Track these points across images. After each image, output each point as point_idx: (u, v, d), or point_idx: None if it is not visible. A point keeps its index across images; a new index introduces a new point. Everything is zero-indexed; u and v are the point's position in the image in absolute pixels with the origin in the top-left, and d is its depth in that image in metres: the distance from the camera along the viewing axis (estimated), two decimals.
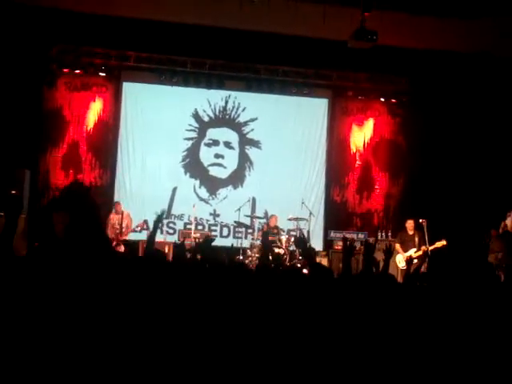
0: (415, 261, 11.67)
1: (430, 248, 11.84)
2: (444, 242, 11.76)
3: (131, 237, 13.55)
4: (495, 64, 13.93)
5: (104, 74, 14.93)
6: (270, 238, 13.35)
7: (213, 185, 15.33)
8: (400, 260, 12.30)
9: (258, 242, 13.51)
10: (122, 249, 12.65)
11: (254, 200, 15.04)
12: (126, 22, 13.34)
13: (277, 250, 13.22)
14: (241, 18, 12.81)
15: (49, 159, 14.70)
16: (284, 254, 13.18)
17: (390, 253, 4.92)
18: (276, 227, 13.79)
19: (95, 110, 15.05)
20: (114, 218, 13.33)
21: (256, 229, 14.08)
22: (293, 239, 13.47)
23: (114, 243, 12.83)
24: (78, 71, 14.72)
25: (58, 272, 3.63)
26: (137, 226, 13.40)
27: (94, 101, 15.05)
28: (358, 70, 15.17)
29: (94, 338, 3.24)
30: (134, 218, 13.71)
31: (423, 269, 11.20)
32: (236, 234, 14.94)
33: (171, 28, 13.56)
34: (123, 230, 13.09)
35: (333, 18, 12.63)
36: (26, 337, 3.18)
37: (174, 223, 14.87)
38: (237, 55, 14.68)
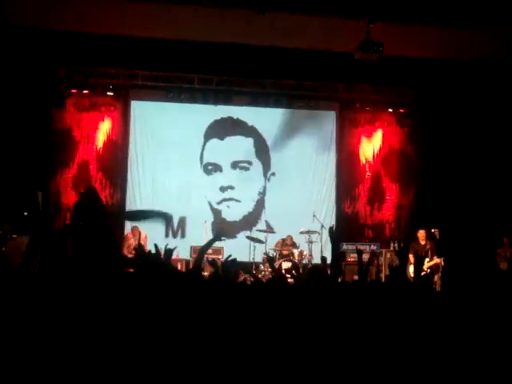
0: (428, 270, 11.63)
1: (428, 266, 11.86)
2: (439, 261, 11.78)
3: None
4: (499, 72, 13.92)
5: (112, 94, 15.00)
6: (284, 252, 13.40)
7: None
8: (412, 271, 12.24)
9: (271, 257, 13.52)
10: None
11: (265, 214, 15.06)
12: (132, 41, 13.42)
13: (288, 264, 13.21)
14: (247, 34, 12.89)
15: (59, 180, 14.76)
16: (296, 266, 13.15)
17: (403, 255, 4.87)
18: (292, 244, 13.80)
19: (104, 129, 15.12)
20: (130, 238, 13.38)
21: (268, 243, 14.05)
22: (305, 252, 13.49)
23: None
24: (86, 91, 14.81)
25: (68, 289, 3.65)
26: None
27: (103, 120, 15.13)
28: (365, 81, 15.19)
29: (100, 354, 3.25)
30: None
31: (437, 278, 11.18)
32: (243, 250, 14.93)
33: (178, 45, 13.65)
34: None
35: (338, 31, 12.74)
36: (35, 354, 3.20)
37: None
38: (243, 70, 14.75)
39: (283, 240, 13.97)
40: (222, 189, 15.31)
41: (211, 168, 15.41)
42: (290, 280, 11.51)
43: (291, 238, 13.90)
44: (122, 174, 15.15)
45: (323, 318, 3.72)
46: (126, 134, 15.22)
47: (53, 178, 14.74)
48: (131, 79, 14.94)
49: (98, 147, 15.05)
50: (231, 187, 15.33)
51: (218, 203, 15.31)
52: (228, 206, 15.32)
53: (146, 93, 15.32)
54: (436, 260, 11.81)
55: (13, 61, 13.44)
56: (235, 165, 15.44)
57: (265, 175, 15.59)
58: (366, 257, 13.76)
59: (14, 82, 13.67)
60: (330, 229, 4.85)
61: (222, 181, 15.36)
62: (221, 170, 15.41)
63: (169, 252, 4.39)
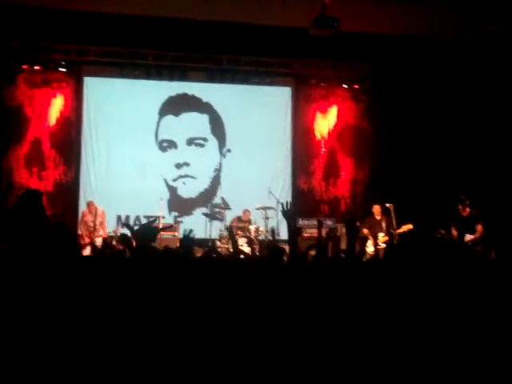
0: (383, 245, 11.72)
1: (397, 232, 11.92)
2: (410, 226, 11.83)
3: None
4: (455, 48, 14.05)
5: (64, 70, 14.73)
6: (239, 231, 13.41)
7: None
8: (368, 245, 12.36)
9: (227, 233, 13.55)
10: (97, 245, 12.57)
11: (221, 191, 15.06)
12: (84, 16, 13.15)
13: (243, 241, 13.24)
14: (202, 9, 12.73)
15: (11, 157, 14.50)
16: (253, 243, 13.20)
17: (351, 224, 4.87)
18: (249, 220, 13.81)
19: (57, 106, 14.86)
20: (87, 217, 13.20)
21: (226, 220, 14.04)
22: (261, 228, 13.52)
23: (88, 240, 12.75)
24: (37, 67, 14.52)
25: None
26: (113, 231, 13.27)
27: (55, 97, 14.86)
28: (320, 57, 15.19)
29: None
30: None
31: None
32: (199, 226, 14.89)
33: (131, 21, 13.41)
34: (96, 227, 12.97)
35: (293, 6, 12.66)
36: None
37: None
38: (198, 46, 14.60)
39: (239, 217, 13.97)
40: (178, 166, 15.23)
41: (166, 145, 15.31)
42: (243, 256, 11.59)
43: (248, 213, 13.90)
44: (76, 152, 14.95)
45: (284, 293, 3.72)
46: (79, 111, 15.00)
47: (4, 156, 14.47)
48: (84, 55, 14.68)
49: (51, 124, 14.80)
50: (187, 164, 15.26)
51: (174, 180, 15.24)
52: (184, 183, 15.26)
53: (99, 69, 15.09)
54: (403, 227, 11.86)
55: None
56: (190, 141, 15.37)
57: (220, 152, 15.56)
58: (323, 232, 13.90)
59: None
60: (282, 205, 4.85)
61: (177, 158, 15.29)
62: (176, 147, 15.32)
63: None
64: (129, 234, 4.35)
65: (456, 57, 14.20)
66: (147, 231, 4.46)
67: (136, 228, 4.38)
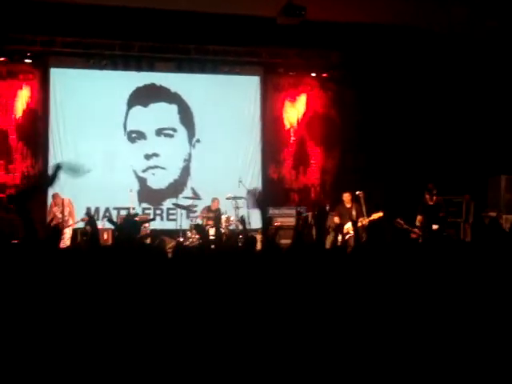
0: (351, 233, 11.75)
1: (367, 220, 11.98)
2: (381, 214, 11.90)
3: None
4: (424, 36, 14.13)
5: (30, 61, 14.54)
6: (210, 222, 13.38)
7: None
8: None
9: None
10: (67, 237, 12.47)
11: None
12: (50, 7, 13.02)
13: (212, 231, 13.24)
14: None
15: None
16: (224, 233, 13.18)
17: (322, 217, 4.90)
18: (218, 209, 13.78)
19: (23, 98, 14.68)
20: (55, 209, 13.06)
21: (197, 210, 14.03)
22: (232, 218, 13.50)
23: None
24: (2, 59, 14.31)
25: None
26: (82, 219, 13.13)
27: (21, 89, 14.68)
28: (288, 45, 15.18)
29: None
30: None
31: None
32: (170, 217, 14.86)
33: (98, 11, 13.28)
34: (65, 217, 12.85)
35: None
36: None
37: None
38: (166, 36, 14.51)
39: (209, 206, 13.94)
40: (147, 156, 15.16)
41: (135, 136, 15.22)
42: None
43: (217, 203, 13.86)
44: (44, 144, 14.79)
45: (259, 281, 3.73)
46: (46, 103, 14.83)
47: None
48: (50, 46, 14.49)
49: (17, 116, 14.62)
50: (156, 155, 15.19)
51: (144, 171, 15.17)
52: (153, 174, 15.20)
53: (65, 60, 14.92)
54: (363, 221, 11.93)
55: None
56: (159, 132, 15.29)
57: (190, 142, 15.50)
58: (292, 220, 13.97)
59: None
60: (254, 193, 4.84)
61: (146, 148, 15.20)
62: (145, 138, 15.23)
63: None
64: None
65: (425, 45, 14.28)
66: (131, 225, 4.47)
67: (120, 221, 4.40)
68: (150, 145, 15.21)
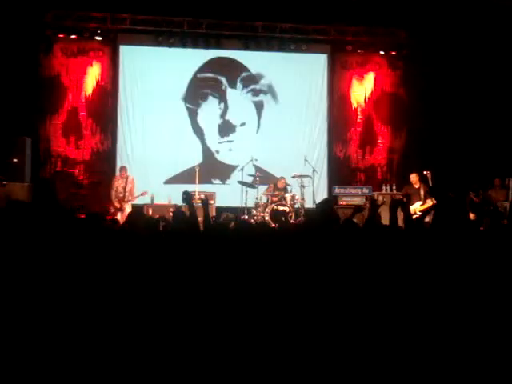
0: (419, 213, 11.60)
1: (421, 209, 11.83)
2: (433, 202, 11.73)
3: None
4: (493, 10, 13.73)
5: (100, 38, 14.77)
6: (275, 199, 13.40)
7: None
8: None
9: (263, 201, 13.56)
10: (126, 212, 12.62)
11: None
12: None
13: (282, 208, 13.24)
14: None
15: (49, 126, 14.63)
16: (289, 211, 13.18)
17: (376, 206, 4.91)
18: (285, 188, 13.78)
19: (93, 74, 14.94)
20: (117, 181, 13.23)
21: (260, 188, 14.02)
22: (297, 196, 13.47)
23: (118, 206, 12.82)
24: (73, 36, 14.58)
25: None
26: (141, 194, 13.31)
27: (92, 66, 14.94)
28: (356, 23, 15.01)
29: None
30: (138, 182, 13.64)
31: (428, 219, 11.15)
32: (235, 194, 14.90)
33: None
34: (126, 194, 13.02)
35: None
36: None
37: None
38: (234, 14, 14.56)
39: (275, 184, 13.93)
40: (221, 130, 15.33)
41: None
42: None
43: (284, 181, 13.85)
44: (112, 120, 15.03)
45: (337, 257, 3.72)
46: (115, 80, 15.05)
47: (42, 125, 14.62)
48: (119, 23, 14.72)
49: (87, 93, 14.90)
50: (228, 128, 15.35)
51: (213, 147, 15.30)
52: (219, 151, 15.29)
53: (134, 37, 15.09)
54: (429, 203, 11.78)
55: None
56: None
57: (258, 117, 15.50)
58: (358, 200, 13.86)
59: (0, 28, 13.43)
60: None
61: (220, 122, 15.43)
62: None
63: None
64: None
65: (492, 18, 13.86)
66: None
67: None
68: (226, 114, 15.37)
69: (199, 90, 15.32)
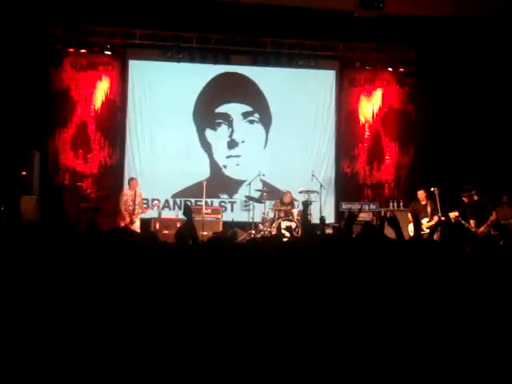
0: (427, 230, 11.59)
1: (427, 225, 11.82)
2: (457, 213, 11.70)
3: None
4: (502, 29, 13.76)
5: (109, 53, 14.88)
6: (282, 214, 13.44)
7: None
8: (412, 230, 12.25)
9: (270, 216, 13.59)
10: (135, 226, 12.66)
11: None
12: None
13: (288, 224, 13.25)
14: None
15: (58, 140, 14.71)
16: (296, 226, 13.20)
17: (394, 222, 4.89)
18: (291, 202, 13.81)
19: (102, 89, 15.03)
20: (127, 194, 13.26)
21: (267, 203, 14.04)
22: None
23: (128, 220, 12.81)
24: (83, 50, 14.68)
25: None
26: (152, 206, 13.36)
27: (101, 80, 15.03)
28: (365, 40, 15.07)
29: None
30: (145, 195, 13.73)
31: (436, 237, 11.13)
32: (244, 208, 14.94)
33: (176, 3, 13.49)
34: (136, 207, 13.04)
35: None
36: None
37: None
38: (242, 29, 14.63)
39: (280, 199, 13.96)
40: (231, 144, 15.39)
41: (220, 121, 15.42)
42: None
43: (290, 195, 13.87)
44: (121, 134, 15.10)
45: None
46: (124, 94, 15.13)
47: (51, 138, 14.68)
48: (129, 38, 14.80)
49: (96, 107, 14.98)
50: (238, 143, 15.39)
51: (221, 161, 15.34)
52: (227, 165, 15.33)
53: (144, 52, 15.19)
54: (435, 219, 11.78)
55: (9, 20, 13.31)
56: (244, 117, 15.54)
57: (266, 133, 15.54)
58: (365, 216, 13.86)
59: (11, 42, 13.55)
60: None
61: (228, 136, 15.49)
62: (229, 125, 15.47)
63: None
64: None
65: (501, 37, 13.89)
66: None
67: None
68: (234, 133, 15.43)
69: (211, 118, 15.39)
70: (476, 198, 11.97)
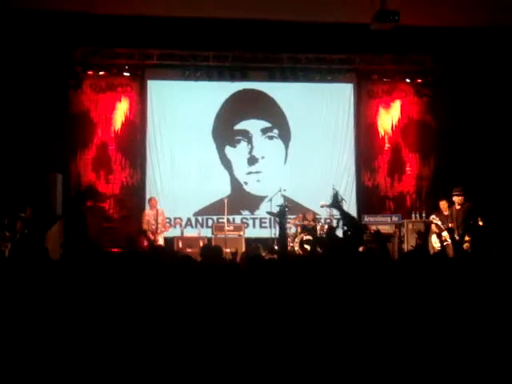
0: (449, 241, 11.48)
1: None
2: (481, 223, 11.60)
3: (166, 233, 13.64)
4: None
5: (128, 74, 15.00)
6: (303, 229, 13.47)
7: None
8: (435, 240, 12.16)
9: (292, 231, 13.56)
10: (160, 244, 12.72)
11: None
12: (146, 21, 13.40)
13: (310, 238, 13.23)
14: (260, 8, 12.79)
15: (79, 162, 14.81)
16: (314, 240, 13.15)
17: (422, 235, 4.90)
18: (313, 220, 13.80)
19: (122, 110, 15.13)
20: (149, 213, 13.37)
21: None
22: (327, 226, 13.46)
23: (152, 239, 12.84)
24: (102, 72, 14.82)
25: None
26: (175, 223, 13.41)
27: (120, 101, 15.13)
28: (382, 52, 15.08)
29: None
30: (167, 214, 13.85)
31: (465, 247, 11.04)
32: (263, 225, 14.97)
33: (191, 23, 13.58)
34: (159, 225, 13.11)
35: (353, 2, 12.60)
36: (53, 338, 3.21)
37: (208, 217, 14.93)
38: (259, 46, 14.70)
39: (303, 215, 13.95)
40: (250, 161, 15.39)
41: (239, 138, 15.46)
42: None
43: (313, 214, 13.90)
44: (141, 154, 15.17)
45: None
46: (143, 114, 15.22)
47: (72, 160, 14.79)
48: (147, 59, 14.93)
49: (116, 128, 15.07)
50: (258, 160, 15.41)
51: (242, 178, 15.36)
52: (248, 182, 15.34)
53: (162, 72, 15.30)
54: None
55: (29, 44, 13.49)
56: (263, 133, 15.56)
57: (286, 148, 15.56)
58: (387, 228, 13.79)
59: (31, 66, 13.71)
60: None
61: (248, 153, 15.52)
62: (248, 141, 15.50)
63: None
64: None
65: None
66: None
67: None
68: (254, 149, 15.47)
69: (231, 135, 15.43)
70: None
